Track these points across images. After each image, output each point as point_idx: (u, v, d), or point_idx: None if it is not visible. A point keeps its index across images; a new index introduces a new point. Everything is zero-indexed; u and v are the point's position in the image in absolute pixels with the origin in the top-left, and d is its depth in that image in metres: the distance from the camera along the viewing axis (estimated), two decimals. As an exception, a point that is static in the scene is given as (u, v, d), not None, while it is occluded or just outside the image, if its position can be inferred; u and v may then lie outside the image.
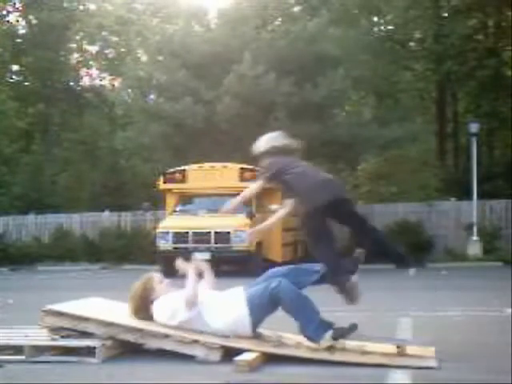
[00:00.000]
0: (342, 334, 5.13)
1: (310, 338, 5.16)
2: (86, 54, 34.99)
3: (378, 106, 28.16)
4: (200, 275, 5.65)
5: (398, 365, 4.83)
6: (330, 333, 5.10)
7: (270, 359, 5.02)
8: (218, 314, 5.32)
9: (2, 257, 21.44)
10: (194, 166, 17.22)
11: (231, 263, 16.79)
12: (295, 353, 5.08)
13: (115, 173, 29.53)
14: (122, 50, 34.63)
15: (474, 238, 19.72)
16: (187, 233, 15.84)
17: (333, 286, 5.41)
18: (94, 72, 35.74)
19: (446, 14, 27.01)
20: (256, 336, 5.37)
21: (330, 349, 5.09)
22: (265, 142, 6.03)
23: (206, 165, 17.12)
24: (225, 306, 5.34)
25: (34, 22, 32.30)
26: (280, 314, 5.37)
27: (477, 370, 4.75)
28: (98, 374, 4.85)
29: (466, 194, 20.81)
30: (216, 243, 15.62)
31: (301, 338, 5.26)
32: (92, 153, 31.42)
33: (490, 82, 25.55)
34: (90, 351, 5.21)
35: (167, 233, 16.04)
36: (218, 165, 17.01)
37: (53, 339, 5.35)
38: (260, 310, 5.25)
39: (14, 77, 33.76)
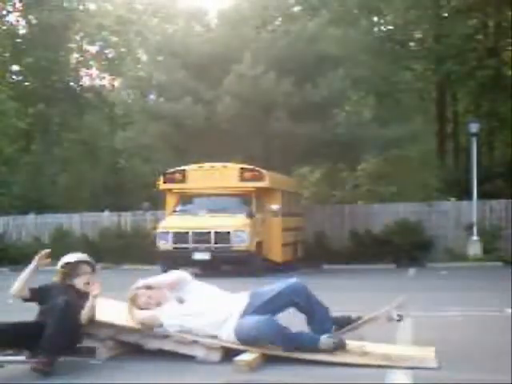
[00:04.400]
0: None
1: (306, 350, 5.17)
2: (86, 54, 34.97)
3: (377, 106, 28.12)
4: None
5: (397, 365, 4.83)
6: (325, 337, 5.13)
7: (270, 359, 5.03)
8: (217, 327, 5.30)
9: (2, 257, 21.42)
10: (194, 166, 17.21)
11: (231, 263, 16.79)
12: (295, 353, 5.08)
13: (115, 173, 29.55)
14: (122, 49, 34.61)
15: (474, 237, 19.72)
16: (187, 233, 15.84)
17: None
18: (94, 72, 35.74)
19: (446, 14, 27.01)
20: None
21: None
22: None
23: (206, 165, 17.11)
24: (220, 324, 5.31)
25: (34, 21, 32.28)
26: (280, 314, 5.37)
27: (477, 370, 4.75)
28: (98, 374, 4.85)
29: (466, 194, 20.81)
30: (216, 243, 15.62)
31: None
32: (92, 153, 31.40)
33: (490, 82, 25.53)
34: (90, 351, 5.21)
35: (167, 233, 16.04)
36: (218, 165, 17.00)
37: (53, 339, 5.34)
38: (249, 341, 5.19)
39: (13, 77, 33.73)
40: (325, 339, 5.10)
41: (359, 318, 5.38)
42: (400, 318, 5.30)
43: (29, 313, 5.49)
